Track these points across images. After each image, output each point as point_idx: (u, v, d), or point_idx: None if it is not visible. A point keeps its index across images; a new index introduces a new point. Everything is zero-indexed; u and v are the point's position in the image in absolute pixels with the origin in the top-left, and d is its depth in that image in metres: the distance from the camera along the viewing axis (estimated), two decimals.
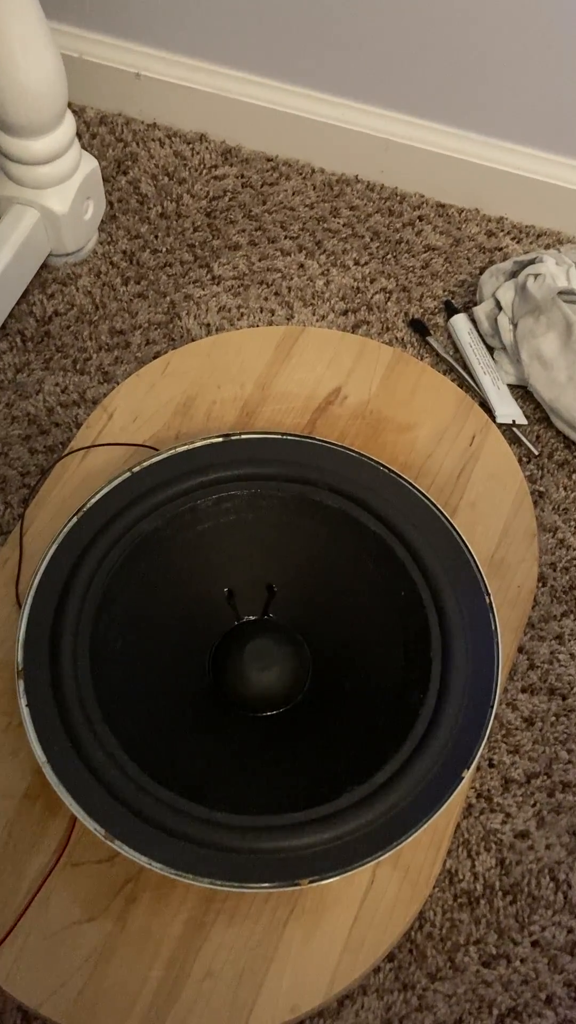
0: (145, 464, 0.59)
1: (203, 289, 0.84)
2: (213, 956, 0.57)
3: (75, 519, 0.57)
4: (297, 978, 0.57)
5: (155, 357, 0.80)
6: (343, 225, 0.88)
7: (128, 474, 0.59)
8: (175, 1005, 0.56)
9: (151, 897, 0.58)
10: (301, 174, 0.91)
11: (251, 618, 0.61)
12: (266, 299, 0.84)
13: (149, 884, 0.58)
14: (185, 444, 0.60)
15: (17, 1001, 0.56)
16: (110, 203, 0.87)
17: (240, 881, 0.48)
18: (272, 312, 0.83)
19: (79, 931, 0.58)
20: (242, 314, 0.83)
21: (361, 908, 0.58)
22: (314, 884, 0.48)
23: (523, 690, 0.68)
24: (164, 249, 0.86)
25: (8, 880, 0.59)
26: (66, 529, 0.56)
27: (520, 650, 0.70)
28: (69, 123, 0.76)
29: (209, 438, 0.60)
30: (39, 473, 0.74)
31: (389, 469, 0.60)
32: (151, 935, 0.58)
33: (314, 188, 0.90)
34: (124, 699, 0.54)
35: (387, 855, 0.49)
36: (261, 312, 0.83)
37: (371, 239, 0.87)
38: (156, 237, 0.86)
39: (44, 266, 0.83)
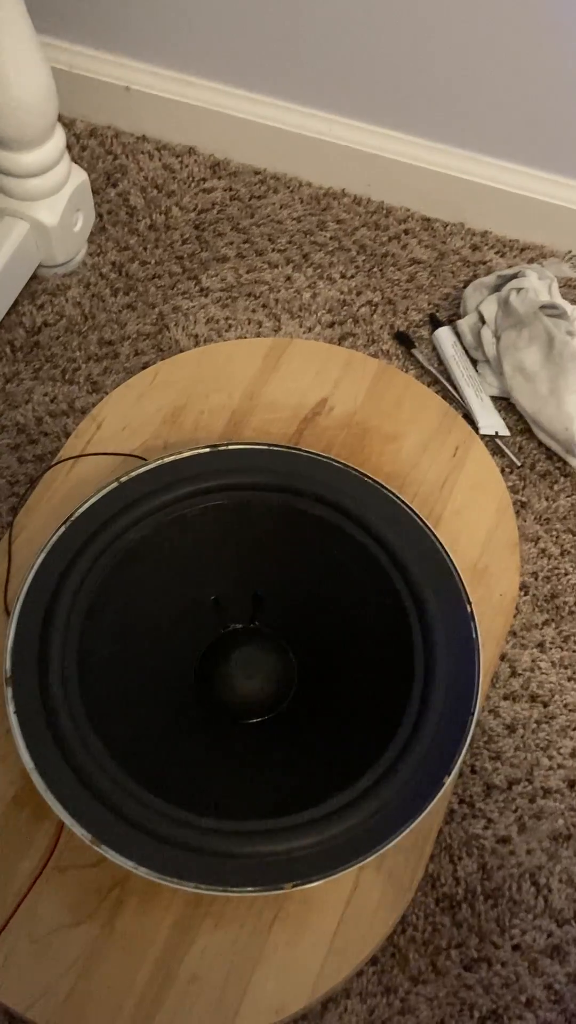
0: (133, 474, 0.60)
1: (191, 301, 0.85)
2: (199, 959, 0.58)
3: (63, 528, 0.58)
4: (282, 980, 0.58)
5: (144, 368, 0.81)
6: (330, 238, 0.89)
7: (116, 483, 0.60)
8: (162, 1008, 0.57)
9: (138, 901, 0.59)
10: (289, 188, 0.92)
11: (238, 626, 0.62)
12: (254, 311, 0.85)
13: (136, 888, 0.59)
14: (173, 454, 0.61)
15: (4, 1005, 0.57)
16: (99, 215, 0.88)
17: (225, 885, 0.48)
18: (260, 324, 0.84)
19: (67, 935, 0.58)
20: (230, 326, 0.84)
21: (345, 912, 0.59)
22: (298, 888, 0.49)
23: (505, 697, 0.69)
24: (153, 261, 0.87)
25: None
26: (54, 538, 0.57)
27: (502, 658, 0.71)
28: (59, 136, 0.77)
29: (196, 448, 0.61)
30: (28, 482, 0.75)
31: (373, 480, 0.62)
32: (138, 939, 0.58)
33: (301, 201, 0.91)
34: (112, 706, 0.55)
35: (370, 859, 0.50)
36: (249, 324, 0.84)
37: (357, 252, 0.88)
38: (145, 249, 0.87)
39: (34, 277, 0.84)
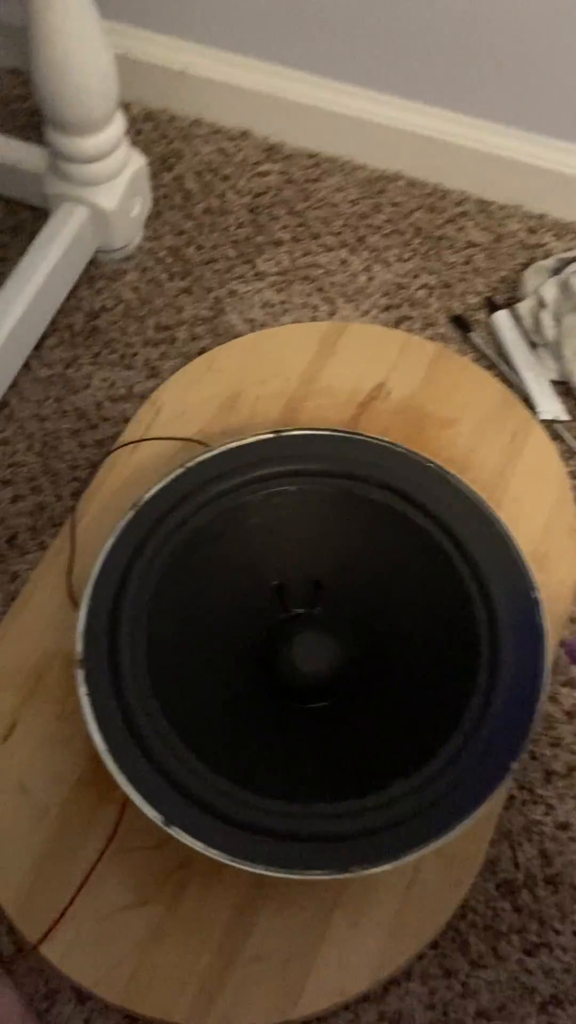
0: (197, 460, 0.60)
1: (247, 285, 0.85)
2: (262, 940, 0.59)
3: (131, 514, 0.58)
4: (344, 963, 0.58)
5: (200, 352, 0.81)
6: (385, 221, 0.88)
7: (182, 469, 0.60)
8: (225, 988, 0.58)
9: (200, 883, 0.60)
10: (343, 170, 0.91)
11: (299, 611, 0.62)
12: (309, 295, 0.84)
13: (198, 870, 0.60)
14: (235, 440, 0.61)
15: (72, 981, 0.58)
16: (155, 199, 0.88)
17: (292, 868, 0.49)
18: (315, 308, 0.84)
19: (131, 915, 0.59)
20: (285, 310, 0.84)
21: (406, 895, 0.60)
22: (364, 873, 0.49)
23: (564, 684, 0.68)
24: (209, 245, 0.87)
25: (61, 864, 0.60)
26: (123, 523, 0.58)
27: (561, 644, 0.70)
28: (119, 121, 0.77)
29: (259, 434, 0.61)
30: (89, 466, 0.75)
31: (436, 465, 0.61)
32: (201, 920, 0.59)
33: (356, 185, 0.91)
34: (177, 689, 0.56)
35: (436, 846, 0.50)
36: (304, 308, 0.84)
37: (413, 235, 0.88)
38: (200, 233, 0.87)
39: (92, 262, 0.84)
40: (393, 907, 0.59)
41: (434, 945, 0.60)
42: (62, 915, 0.59)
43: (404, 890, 0.59)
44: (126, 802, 0.60)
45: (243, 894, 0.60)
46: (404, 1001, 0.58)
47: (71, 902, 0.59)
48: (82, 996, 0.59)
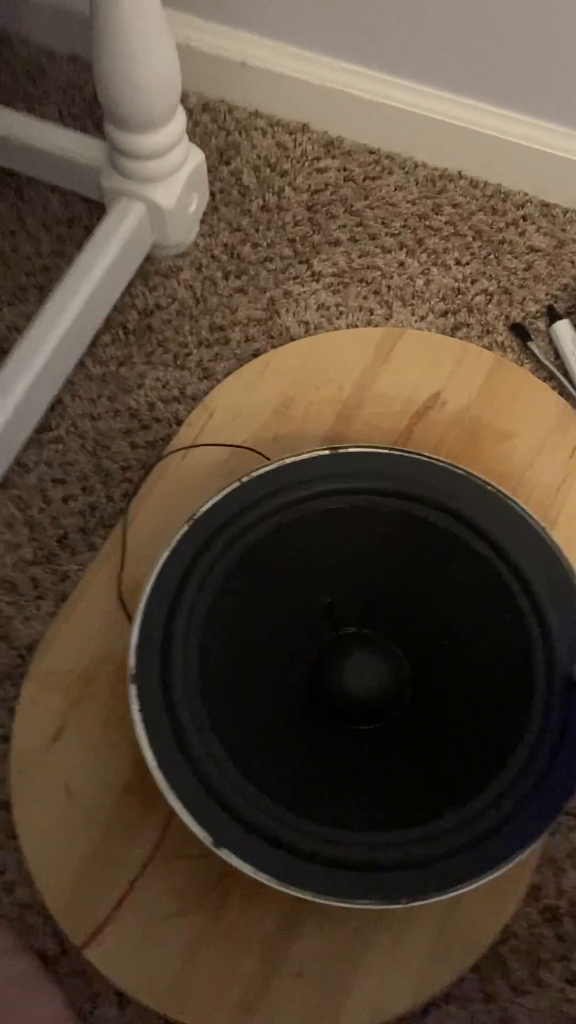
0: (253, 475, 0.60)
1: (303, 286, 0.84)
2: (302, 956, 0.59)
3: (186, 527, 0.58)
4: (384, 983, 0.58)
5: (254, 354, 0.80)
6: (445, 223, 0.87)
7: (237, 484, 0.60)
8: (265, 1001, 0.58)
9: (244, 894, 0.60)
10: (404, 168, 0.90)
11: (350, 630, 0.62)
12: (365, 298, 0.83)
13: (242, 882, 0.60)
14: (292, 456, 0.61)
15: (116, 986, 0.59)
16: (212, 194, 0.87)
17: (342, 896, 0.49)
18: (371, 311, 0.83)
19: (175, 923, 0.60)
20: (341, 312, 0.83)
21: (448, 919, 0.60)
22: (413, 905, 0.49)
23: None
24: (265, 243, 0.86)
25: (107, 869, 0.61)
26: (177, 537, 0.58)
27: None
28: (180, 118, 0.75)
29: (316, 450, 0.61)
30: (140, 468, 0.75)
31: (495, 488, 0.60)
32: (243, 931, 0.60)
33: (416, 183, 0.89)
34: (228, 706, 0.56)
35: (486, 880, 0.50)
36: (360, 311, 0.83)
37: (473, 238, 0.86)
38: (257, 231, 0.86)
39: (147, 258, 0.84)
40: (435, 930, 0.59)
41: (474, 969, 0.60)
42: (107, 920, 0.59)
43: (446, 913, 0.59)
44: (172, 812, 0.60)
45: (285, 909, 0.60)
46: None
47: (116, 908, 0.59)
48: (123, 1000, 0.60)
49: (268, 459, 0.73)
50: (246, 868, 0.50)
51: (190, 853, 0.61)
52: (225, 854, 0.50)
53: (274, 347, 0.80)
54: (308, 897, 0.49)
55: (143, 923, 0.60)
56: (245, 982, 0.58)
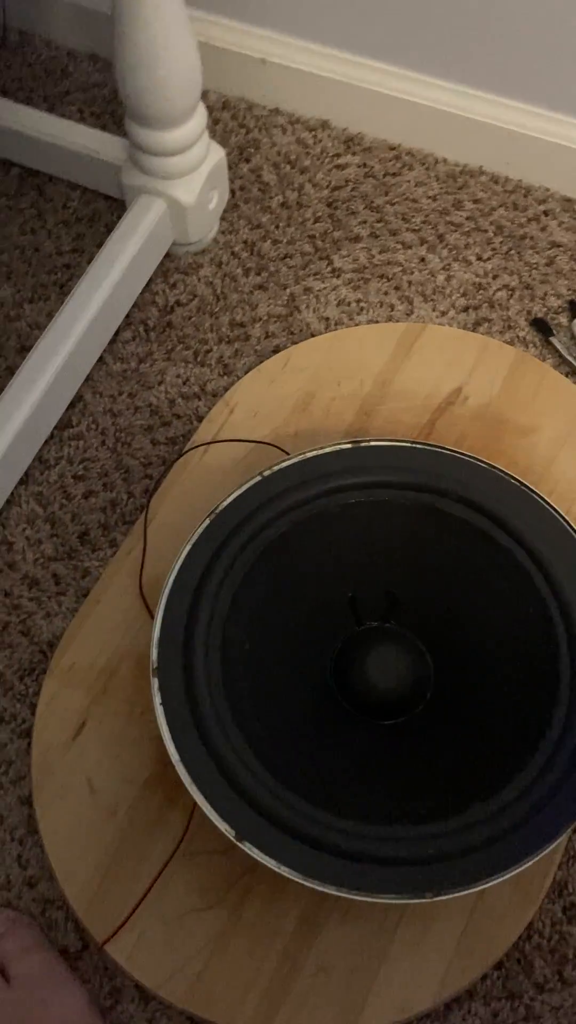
0: (274, 468, 0.60)
1: (323, 282, 0.84)
2: (325, 952, 0.59)
3: (207, 521, 0.58)
4: (407, 980, 0.58)
5: (274, 350, 0.80)
6: (466, 218, 0.86)
7: (258, 478, 0.59)
8: (288, 997, 0.58)
9: (266, 890, 0.60)
10: (424, 164, 0.89)
11: (373, 624, 0.62)
12: (386, 293, 0.83)
13: (264, 877, 0.60)
14: (314, 449, 0.61)
15: (138, 982, 0.59)
16: (232, 191, 0.87)
17: (366, 891, 0.49)
18: (392, 307, 0.82)
19: (197, 919, 0.60)
20: (361, 308, 0.82)
21: (472, 916, 0.59)
22: (438, 899, 0.48)
23: None
24: (285, 240, 0.86)
25: (128, 864, 0.61)
26: (199, 531, 0.58)
27: None
28: (201, 114, 0.76)
29: (338, 444, 0.60)
30: (161, 464, 0.75)
31: (519, 481, 0.60)
32: (266, 927, 0.59)
33: (437, 179, 0.89)
34: (249, 700, 0.56)
35: (511, 874, 0.50)
36: (381, 307, 0.82)
37: (494, 233, 0.86)
38: (277, 227, 0.86)
39: (167, 255, 0.84)
40: (459, 926, 0.59)
41: (498, 966, 0.59)
42: (130, 916, 0.59)
43: (470, 909, 0.59)
44: (195, 807, 0.60)
45: (308, 904, 0.60)
46: (466, 1021, 0.58)
47: (139, 904, 0.59)
48: (146, 996, 0.59)
49: (287, 453, 0.73)
50: (270, 862, 0.49)
51: (213, 848, 0.61)
52: (248, 848, 0.50)
53: (294, 343, 0.80)
54: (332, 891, 0.49)
55: (166, 919, 0.60)
56: (268, 978, 0.58)
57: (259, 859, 0.49)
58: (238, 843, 0.50)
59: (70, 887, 0.61)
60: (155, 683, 0.54)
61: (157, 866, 0.61)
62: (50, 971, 0.59)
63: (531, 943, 0.60)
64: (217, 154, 0.80)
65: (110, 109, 0.93)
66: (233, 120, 0.92)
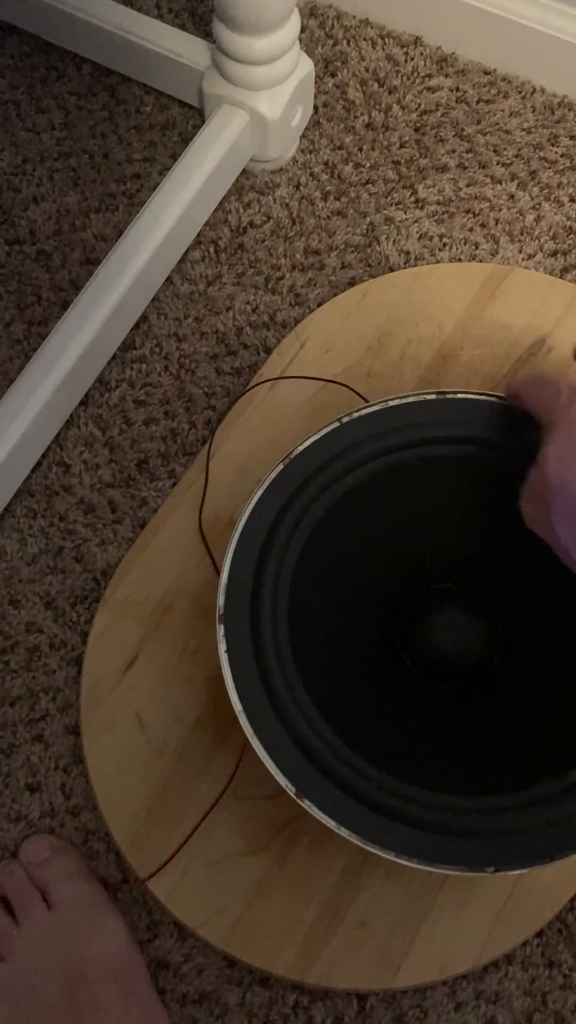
0: (355, 415, 0.57)
1: (405, 213, 0.79)
2: (367, 906, 0.59)
3: (281, 467, 0.55)
4: (447, 941, 0.58)
5: (350, 283, 0.77)
6: (561, 155, 0.81)
7: (336, 424, 0.57)
8: (327, 947, 0.58)
9: (311, 840, 0.60)
10: (521, 93, 0.84)
11: (444, 585, 0.60)
12: (471, 230, 0.79)
13: (310, 828, 0.59)
14: (397, 397, 0.58)
15: (178, 919, 0.59)
16: (315, 107, 0.82)
17: (425, 860, 0.48)
18: (476, 245, 0.78)
19: (240, 863, 0.59)
20: (444, 244, 0.78)
21: (516, 883, 0.59)
22: (499, 875, 0.47)
23: None
24: (368, 164, 0.81)
25: (175, 804, 0.61)
26: (271, 476, 0.55)
27: None
28: (295, 22, 0.70)
29: (423, 393, 0.57)
30: (224, 395, 0.72)
31: None
32: (308, 877, 0.59)
33: (533, 110, 0.83)
34: (314, 656, 0.54)
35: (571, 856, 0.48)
36: (464, 244, 0.78)
37: None
38: (360, 150, 0.81)
39: (242, 172, 0.79)
40: (502, 894, 0.58)
41: (539, 934, 0.59)
42: (174, 854, 0.59)
43: (515, 878, 0.58)
44: (244, 751, 0.59)
45: (352, 857, 0.59)
46: (502, 984, 0.58)
47: (184, 843, 0.59)
48: (184, 933, 0.60)
49: (361, 396, 0.70)
50: (329, 822, 0.48)
51: (261, 794, 0.60)
52: (308, 806, 0.49)
53: (372, 276, 0.76)
54: (391, 858, 0.48)
55: (209, 861, 0.59)
56: (309, 928, 0.58)
57: (318, 818, 0.48)
58: (298, 800, 0.49)
59: (114, 821, 0.60)
60: (220, 630, 0.52)
61: (203, 807, 0.60)
62: (91, 899, 0.59)
63: (574, 914, 0.59)
64: (306, 67, 0.75)
65: (191, 7, 0.87)
66: (320, 29, 0.86)
